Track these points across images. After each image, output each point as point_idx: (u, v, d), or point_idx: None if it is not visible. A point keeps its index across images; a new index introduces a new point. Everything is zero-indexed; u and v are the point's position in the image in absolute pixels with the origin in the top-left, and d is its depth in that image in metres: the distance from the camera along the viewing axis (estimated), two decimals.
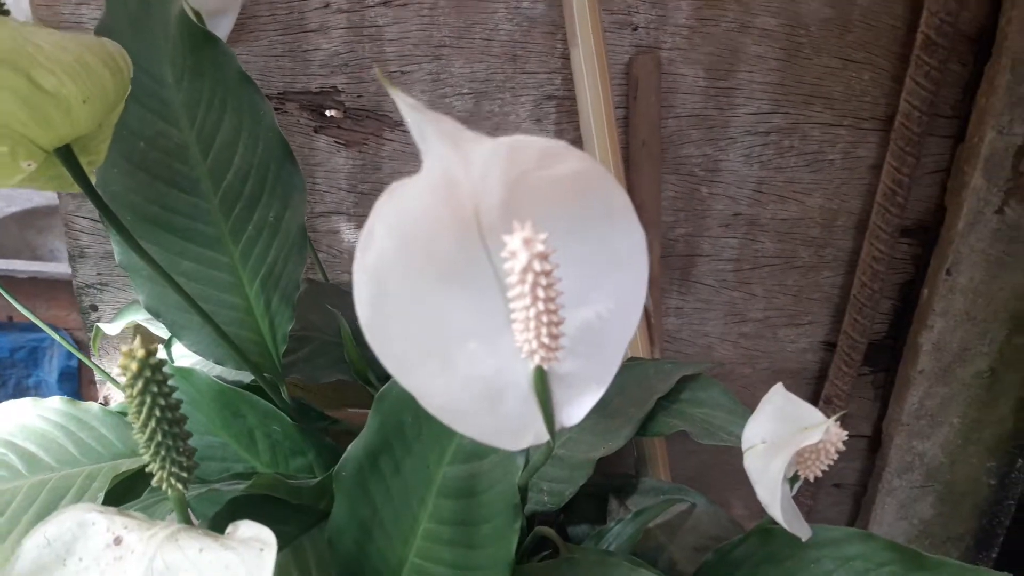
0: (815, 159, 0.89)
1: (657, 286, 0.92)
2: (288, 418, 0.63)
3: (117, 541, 0.33)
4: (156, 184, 0.58)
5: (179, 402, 0.34)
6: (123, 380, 0.33)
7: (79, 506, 0.34)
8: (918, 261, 0.96)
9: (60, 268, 1.11)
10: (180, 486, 0.35)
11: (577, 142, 0.86)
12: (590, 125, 0.79)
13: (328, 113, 0.83)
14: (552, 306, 0.28)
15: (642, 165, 0.85)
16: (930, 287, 0.93)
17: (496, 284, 0.30)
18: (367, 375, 0.70)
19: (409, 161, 0.86)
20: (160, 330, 0.69)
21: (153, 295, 0.59)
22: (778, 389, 0.45)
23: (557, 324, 0.29)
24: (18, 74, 0.35)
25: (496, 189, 0.28)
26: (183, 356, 0.70)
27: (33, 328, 1.21)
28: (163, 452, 0.34)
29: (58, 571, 0.32)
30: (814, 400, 1.04)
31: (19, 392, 1.25)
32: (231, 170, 0.59)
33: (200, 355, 0.62)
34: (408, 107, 0.26)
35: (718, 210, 0.91)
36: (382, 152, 0.85)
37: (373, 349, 0.29)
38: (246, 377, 0.68)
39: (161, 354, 0.64)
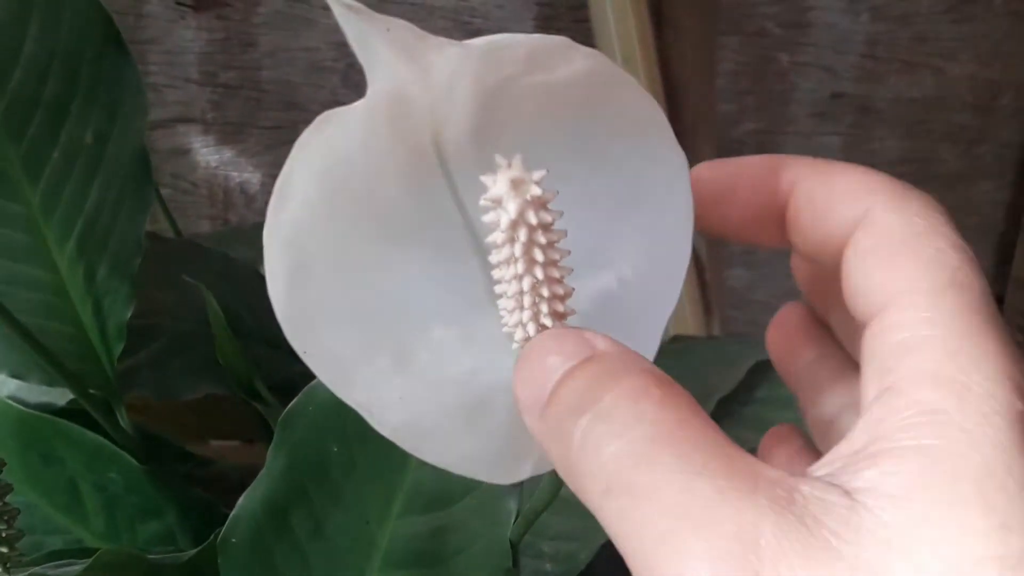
0: (961, 1, 0.92)
1: None
2: (132, 459, 0.66)
3: None
4: None
5: None
6: None
7: None
8: None
9: None
10: None
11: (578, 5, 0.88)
12: None
13: None
14: (555, 273, 0.31)
15: (682, 20, 0.87)
16: None
17: (470, 245, 0.33)
18: (252, 384, 0.73)
19: (299, 31, 0.89)
20: None
21: None
22: None
23: (563, 298, 0.31)
24: None
25: (467, 107, 0.31)
26: None
27: None
28: None
29: None
30: None
31: None
32: (19, 63, 0.61)
33: None
34: (343, 9, 0.28)
35: (807, 90, 0.94)
36: (254, 17, 0.87)
37: (296, 348, 0.31)
38: (60, 398, 0.71)
39: None
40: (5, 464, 0.49)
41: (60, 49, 0.62)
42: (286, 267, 0.31)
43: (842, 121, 0.95)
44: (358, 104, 0.30)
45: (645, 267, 0.34)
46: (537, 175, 0.29)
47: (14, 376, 0.65)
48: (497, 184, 0.29)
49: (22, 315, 0.61)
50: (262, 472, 0.52)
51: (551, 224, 0.30)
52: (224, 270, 0.80)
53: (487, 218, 0.29)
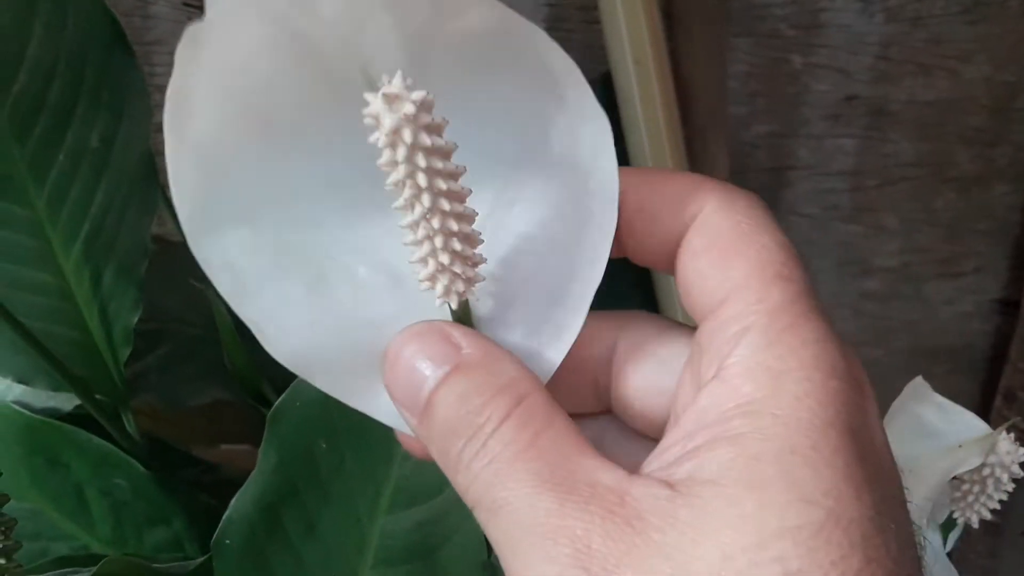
0: (976, 1, 0.92)
1: None
2: (139, 465, 0.66)
3: None
4: None
5: None
6: None
7: None
8: None
9: None
10: None
11: None
12: None
13: None
14: (449, 206, 0.30)
15: (693, 22, 0.87)
16: None
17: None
18: (260, 388, 0.72)
19: None
20: None
21: None
22: (917, 385, 0.49)
23: (466, 238, 0.31)
24: None
25: (395, 50, 0.31)
26: None
27: None
28: None
29: None
30: (985, 395, 1.08)
31: None
32: (23, 65, 0.61)
33: None
34: None
35: (820, 92, 0.93)
36: None
37: (198, 257, 0.32)
38: (66, 403, 0.70)
39: None
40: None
41: (65, 51, 0.61)
42: (195, 176, 0.31)
43: (856, 123, 0.95)
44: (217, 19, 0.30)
45: (561, 233, 0.34)
46: (417, 95, 0.28)
47: (20, 381, 0.65)
48: (374, 101, 0.28)
49: (27, 319, 0.61)
50: (254, 471, 0.53)
51: (438, 150, 0.29)
52: None
53: (371, 138, 0.29)
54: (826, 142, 0.95)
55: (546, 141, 0.34)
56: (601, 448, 0.31)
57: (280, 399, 0.52)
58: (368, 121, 0.29)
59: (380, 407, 0.34)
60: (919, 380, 0.48)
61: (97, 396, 0.66)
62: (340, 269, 0.33)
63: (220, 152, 0.31)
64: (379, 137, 0.29)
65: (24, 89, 0.61)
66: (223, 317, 0.68)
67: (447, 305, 0.33)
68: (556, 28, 0.88)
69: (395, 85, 0.28)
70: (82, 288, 0.64)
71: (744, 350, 0.29)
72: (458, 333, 0.32)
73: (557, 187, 0.34)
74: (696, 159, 0.87)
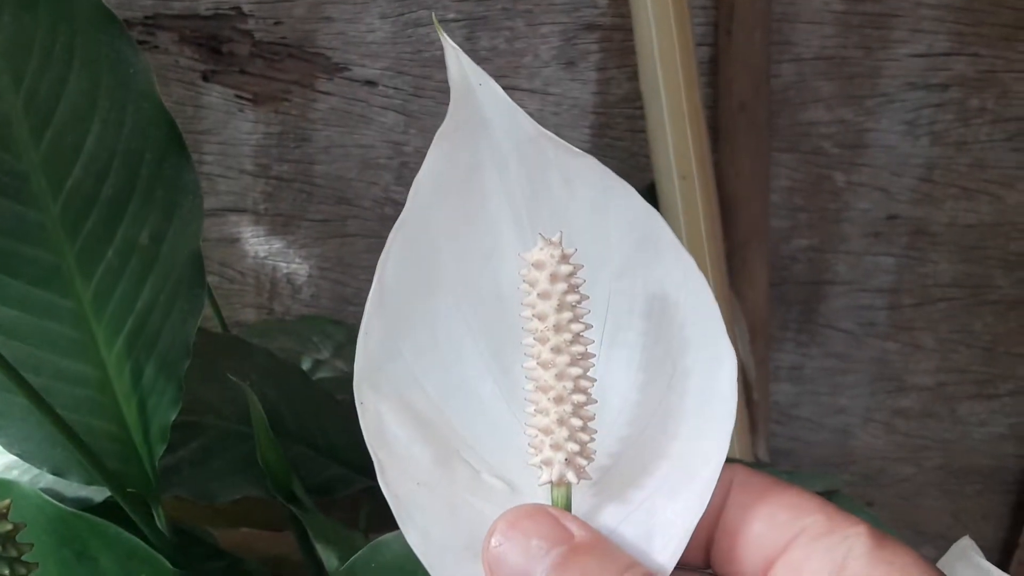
0: (1022, 129, 0.92)
1: (764, 333, 0.95)
2: (166, 562, 0.66)
3: None
4: None
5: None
6: None
7: None
8: None
9: None
10: None
11: (632, 98, 0.89)
12: (655, 73, 0.82)
13: (226, 49, 0.86)
14: (583, 382, 0.33)
15: (738, 137, 0.87)
16: None
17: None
18: (290, 487, 0.72)
19: (355, 128, 0.89)
20: None
21: None
22: (964, 546, 0.48)
23: (586, 424, 0.33)
24: None
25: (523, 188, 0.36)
26: None
27: None
28: None
29: None
30: (1016, 517, 1.07)
31: None
32: (79, 161, 0.62)
33: (24, 458, 0.64)
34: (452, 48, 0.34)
35: (862, 210, 0.93)
36: (312, 112, 0.88)
37: (357, 396, 0.35)
38: (96, 494, 0.70)
39: None
40: (37, 566, 0.48)
41: (121, 148, 0.62)
42: (381, 329, 0.35)
43: (896, 243, 0.95)
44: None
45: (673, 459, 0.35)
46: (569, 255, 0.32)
47: (54, 472, 0.65)
48: (535, 252, 0.32)
49: (65, 411, 0.61)
50: None
51: (577, 316, 0.32)
52: (268, 367, 0.80)
53: (526, 279, 0.33)
54: (865, 259, 0.95)
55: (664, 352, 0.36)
56: None
57: (356, 556, 0.52)
58: (521, 267, 0.32)
59: None
60: (966, 540, 0.47)
61: (129, 490, 0.66)
62: (464, 463, 0.35)
63: (403, 310, 0.35)
64: (533, 283, 0.32)
65: (78, 184, 0.62)
66: (258, 412, 0.68)
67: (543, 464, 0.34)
68: (601, 135, 0.89)
69: (556, 242, 0.32)
70: (122, 383, 0.65)
71: None
72: (566, 517, 0.32)
73: (663, 363, 0.36)
74: (736, 273, 0.87)
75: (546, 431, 0.33)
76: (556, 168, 0.35)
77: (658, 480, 0.35)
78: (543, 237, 0.32)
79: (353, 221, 0.94)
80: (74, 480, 0.66)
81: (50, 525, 0.65)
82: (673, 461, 0.35)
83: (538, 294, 0.32)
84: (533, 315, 0.32)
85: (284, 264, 0.96)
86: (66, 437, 0.61)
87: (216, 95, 0.86)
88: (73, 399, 0.64)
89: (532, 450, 0.33)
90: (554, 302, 0.32)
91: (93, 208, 0.63)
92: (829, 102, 0.91)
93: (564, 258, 0.32)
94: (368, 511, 0.86)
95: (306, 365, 0.94)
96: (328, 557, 0.68)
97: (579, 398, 0.32)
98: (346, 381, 0.94)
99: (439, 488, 0.34)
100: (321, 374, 0.94)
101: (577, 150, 0.34)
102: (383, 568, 0.51)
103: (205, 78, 0.85)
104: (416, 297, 0.35)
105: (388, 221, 1.05)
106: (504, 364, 0.36)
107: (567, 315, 0.32)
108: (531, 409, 0.33)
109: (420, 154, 1.01)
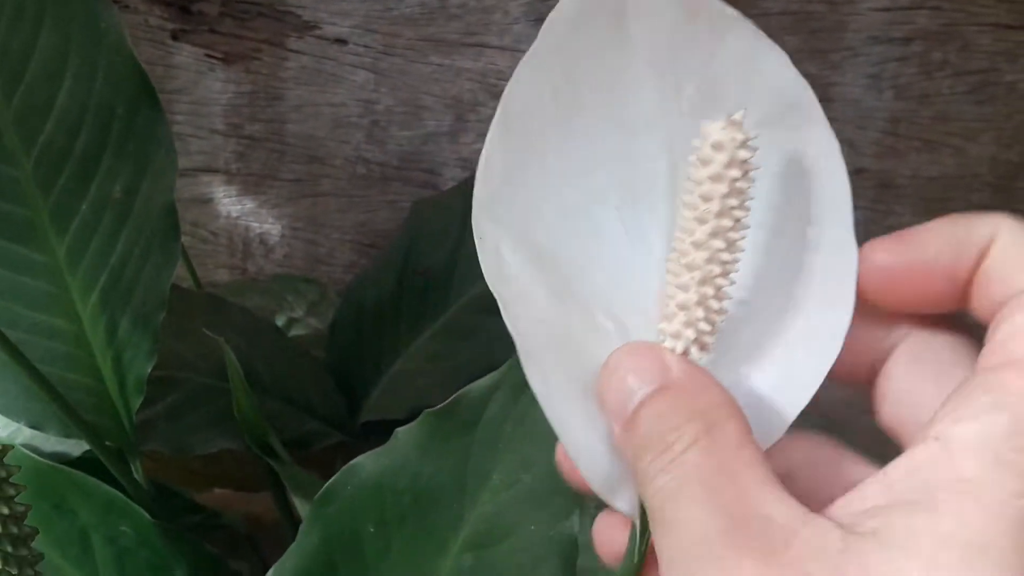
0: (984, 81, 0.93)
1: None
2: (145, 513, 0.66)
3: None
4: None
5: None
6: None
7: None
8: None
9: None
10: None
11: None
12: None
13: (195, 8, 0.85)
14: (731, 266, 0.33)
15: None
16: None
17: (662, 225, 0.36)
18: (267, 439, 0.73)
19: (327, 86, 0.89)
20: None
21: None
22: None
23: (725, 290, 0.33)
24: None
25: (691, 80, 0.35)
26: None
27: None
28: None
29: None
30: None
31: None
32: (52, 116, 0.61)
33: (1, 412, 0.64)
34: None
35: None
36: (282, 71, 0.88)
37: (476, 231, 0.34)
38: (74, 448, 0.71)
39: None
40: (30, 507, 0.49)
41: (93, 103, 0.62)
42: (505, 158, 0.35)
43: (863, 196, 0.95)
44: None
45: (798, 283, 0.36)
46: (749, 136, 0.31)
47: (31, 426, 0.65)
48: (717, 130, 0.31)
49: (42, 364, 0.61)
50: (292, 546, 0.52)
51: (745, 199, 0.32)
52: (243, 323, 0.80)
53: (697, 158, 0.32)
54: None
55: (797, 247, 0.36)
56: (799, 478, 0.32)
57: (331, 480, 0.52)
58: (697, 144, 0.32)
59: (566, 423, 0.35)
60: None
61: (107, 443, 0.66)
62: (579, 302, 0.35)
63: (529, 136, 0.35)
64: (706, 162, 0.31)
65: (51, 139, 0.62)
66: (234, 365, 0.69)
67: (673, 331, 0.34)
68: None
69: (738, 120, 0.31)
70: (98, 336, 0.65)
71: (983, 426, 0.28)
72: (672, 357, 0.32)
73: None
74: None
75: (683, 306, 0.33)
76: (705, 16, 0.34)
77: (779, 346, 0.35)
78: (727, 117, 0.31)
79: (325, 180, 0.94)
80: (52, 433, 0.66)
81: (28, 478, 0.65)
82: (795, 327, 0.35)
83: (709, 176, 0.31)
84: (699, 194, 0.32)
85: (257, 224, 0.96)
86: (43, 390, 0.61)
87: (186, 55, 0.86)
88: (49, 353, 0.64)
89: (664, 321, 0.33)
90: (724, 187, 0.31)
91: (66, 163, 0.63)
92: (795, 56, 0.91)
93: (744, 143, 0.31)
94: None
95: (280, 322, 0.94)
96: (305, 509, 0.68)
97: (723, 282, 0.33)
98: (320, 338, 0.94)
99: (556, 325, 0.35)
100: (295, 331, 0.95)
101: (730, 9, 0.34)
102: (358, 489, 0.52)
103: (175, 37, 0.85)
104: (546, 123, 0.35)
105: (360, 180, 1.05)
106: (632, 198, 0.36)
107: (733, 201, 0.31)
108: (672, 280, 0.33)
109: (391, 112, 1.01)
